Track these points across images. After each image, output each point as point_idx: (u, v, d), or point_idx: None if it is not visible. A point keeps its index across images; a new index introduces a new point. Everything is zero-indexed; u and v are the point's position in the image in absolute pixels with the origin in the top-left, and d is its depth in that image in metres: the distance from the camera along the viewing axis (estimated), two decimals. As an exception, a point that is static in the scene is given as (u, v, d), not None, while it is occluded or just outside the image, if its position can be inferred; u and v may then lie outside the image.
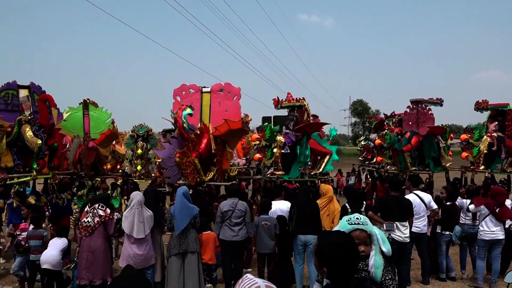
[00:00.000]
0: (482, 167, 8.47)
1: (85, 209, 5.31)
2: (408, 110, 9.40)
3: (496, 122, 8.68)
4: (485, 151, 8.41)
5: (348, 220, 2.36)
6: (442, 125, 9.25)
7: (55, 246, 5.36)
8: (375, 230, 2.36)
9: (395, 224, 5.38)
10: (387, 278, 2.30)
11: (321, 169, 8.69)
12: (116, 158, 9.79)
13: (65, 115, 8.19)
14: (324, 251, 1.89)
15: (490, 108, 8.81)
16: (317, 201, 5.66)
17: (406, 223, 5.46)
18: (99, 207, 5.20)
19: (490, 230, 5.89)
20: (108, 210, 5.27)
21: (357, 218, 2.37)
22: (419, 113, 9.29)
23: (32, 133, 6.80)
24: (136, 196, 5.26)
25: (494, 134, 8.48)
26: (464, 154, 8.77)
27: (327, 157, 8.69)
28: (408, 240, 5.46)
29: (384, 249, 2.35)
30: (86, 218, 5.17)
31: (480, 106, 8.87)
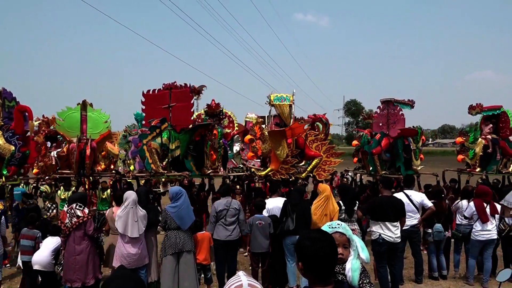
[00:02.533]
0: (478, 169, 8.50)
1: (64, 209, 5.20)
2: (378, 110, 9.16)
3: (491, 125, 8.71)
4: (481, 154, 8.45)
5: (330, 225, 2.45)
6: (413, 126, 9.01)
7: (47, 246, 5.31)
8: (355, 238, 2.44)
9: (385, 224, 5.41)
10: (365, 282, 2.31)
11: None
12: (110, 158, 9.72)
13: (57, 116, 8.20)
14: (302, 245, 1.91)
15: (484, 112, 8.75)
16: (315, 201, 5.64)
17: (398, 223, 5.50)
18: (77, 207, 5.09)
19: (485, 229, 5.97)
20: (86, 210, 5.16)
21: (338, 224, 2.46)
22: (390, 114, 9.05)
23: (4, 140, 6.82)
24: (131, 195, 5.23)
25: (489, 136, 8.51)
26: (460, 156, 8.72)
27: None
28: (399, 240, 5.50)
29: (363, 256, 2.38)
30: (67, 219, 5.06)
31: (474, 110, 8.81)
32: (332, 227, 2.43)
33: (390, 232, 5.42)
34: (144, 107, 7.59)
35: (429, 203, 6.12)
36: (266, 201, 6.27)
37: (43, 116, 9.73)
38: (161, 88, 7.60)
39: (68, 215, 5.05)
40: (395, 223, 5.46)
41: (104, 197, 9.70)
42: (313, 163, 7.90)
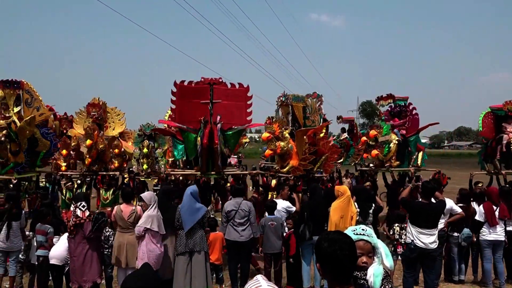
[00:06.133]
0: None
1: (71, 208, 5.19)
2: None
3: None
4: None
5: (354, 230, 2.38)
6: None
7: (63, 242, 5.33)
8: (380, 244, 2.37)
9: (421, 230, 5.24)
10: (387, 287, 2.26)
11: None
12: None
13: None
14: (320, 246, 1.89)
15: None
16: (336, 202, 5.56)
17: (432, 231, 5.24)
18: (80, 206, 5.04)
19: (493, 231, 5.96)
20: (87, 212, 5.07)
21: (363, 229, 2.39)
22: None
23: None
24: (153, 194, 5.35)
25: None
26: None
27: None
28: (433, 248, 5.24)
29: (386, 264, 2.32)
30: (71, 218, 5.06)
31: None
32: (357, 234, 2.35)
33: (424, 238, 5.21)
34: (174, 98, 6.99)
35: (458, 209, 5.93)
36: None
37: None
38: (198, 82, 7.08)
39: (72, 214, 5.05)
40: (429, 230, 5.22)
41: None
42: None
